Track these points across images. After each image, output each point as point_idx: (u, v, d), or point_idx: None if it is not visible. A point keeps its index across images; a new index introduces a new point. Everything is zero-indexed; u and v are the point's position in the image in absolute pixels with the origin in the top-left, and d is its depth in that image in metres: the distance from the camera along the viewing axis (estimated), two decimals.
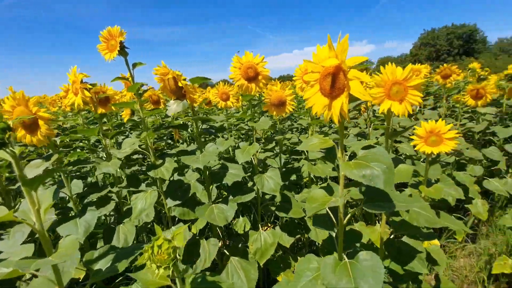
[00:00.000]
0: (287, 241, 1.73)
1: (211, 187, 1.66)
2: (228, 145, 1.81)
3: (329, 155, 0.92)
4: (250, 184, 1.74)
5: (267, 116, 2.26)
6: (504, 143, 2.85)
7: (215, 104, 2.59)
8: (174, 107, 1.45)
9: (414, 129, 1.12)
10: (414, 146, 1.14)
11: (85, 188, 1.58)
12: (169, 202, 1.45)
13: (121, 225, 1.50)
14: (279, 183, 1.55)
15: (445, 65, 3.61)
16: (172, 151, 1.73)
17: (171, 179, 1.63)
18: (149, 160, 1.59)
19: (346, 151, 0.84)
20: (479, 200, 2.68)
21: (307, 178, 2.19)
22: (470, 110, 3.11)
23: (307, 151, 1.96)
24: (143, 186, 1.54)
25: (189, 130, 1.65)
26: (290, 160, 2.17)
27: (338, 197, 0.79)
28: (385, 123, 0.97)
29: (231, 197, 1.59)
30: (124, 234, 1.46)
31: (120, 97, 2.11)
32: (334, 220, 0.90)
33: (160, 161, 1.47)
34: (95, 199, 1.52)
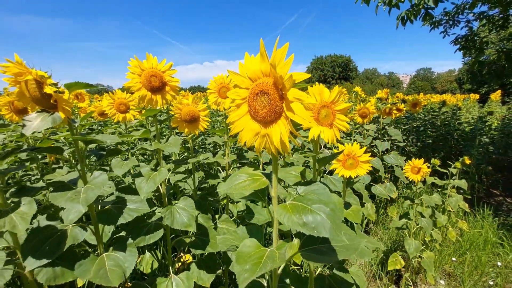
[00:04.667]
0: (207, 279, 1.47)
1: (102, 229, 1.25)
2: (129, 168, 1.44)
3: (258, 193, 0.74)
4: (156, 216, 1.41)
5: (177, 134, 1.96)
6: (383, 155, 3.44)
7: (110, 116, 2.10)
8: (36, 122, 1.01)
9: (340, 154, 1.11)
10: (334, 170, 1.13)
11: None
12: (29, 263, 0.97)
13: None
14: (193, 215, 1.29)
15: (336, 86, 4.19)
16: (39, 183, 1.23)
17: (37, 225, 1.13)
18: None
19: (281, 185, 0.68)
20: (369, 203, 3.10)
21: (225, 201, 2.00)
22: (358, 128, 3.66)
23: (223, 168, 1.77)
24: None
25: (66, 153, 1.21)
26: (204, 181, 1.93)
27: (275, 248, 0.62)
28: (313, 150, 0.89)
29: (130, 240, 1.22)
30: None
31: None
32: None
33: (13, 204, 0.98)
34: None
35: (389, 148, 3.77)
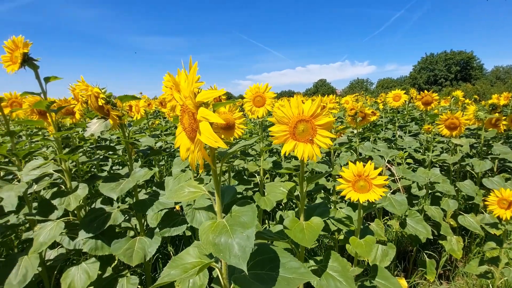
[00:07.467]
0: None
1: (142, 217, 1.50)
2: (185, 166, 1.66)
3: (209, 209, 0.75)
4: None
5: None
6: (483, 176, 2.69)
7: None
8: (94, 127, 1.31)
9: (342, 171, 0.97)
10: (341, 191, 0.98)
11: None
12: (81, 234, 1.28)
13: (25, 256, 1.31)
14: (211, 217, 1.38)
15: (425, 91, 3.52)
16: (103, 173, 1.57)
17: (93, 206, 1.46)
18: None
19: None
20: (453, 237, 2.50)
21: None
22: (445, 140, 2.98)
23: (257, 173, 1.80)
24: (56, 214, 1.36)
25: (120, 152, 1.50)
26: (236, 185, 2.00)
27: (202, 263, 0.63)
28: (300, 167, 0.82)
29: (157, 229, 1.41)
30: (25, 268, 1.27)
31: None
32: None
33: (75, 186, 1.30)
34: None
35: (494, 170, 2.94)
